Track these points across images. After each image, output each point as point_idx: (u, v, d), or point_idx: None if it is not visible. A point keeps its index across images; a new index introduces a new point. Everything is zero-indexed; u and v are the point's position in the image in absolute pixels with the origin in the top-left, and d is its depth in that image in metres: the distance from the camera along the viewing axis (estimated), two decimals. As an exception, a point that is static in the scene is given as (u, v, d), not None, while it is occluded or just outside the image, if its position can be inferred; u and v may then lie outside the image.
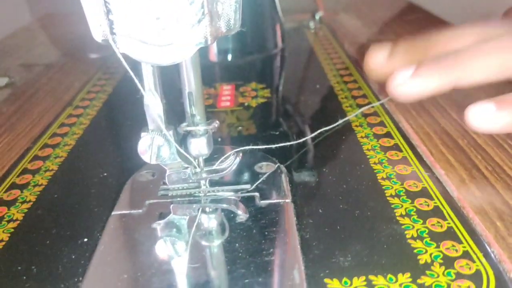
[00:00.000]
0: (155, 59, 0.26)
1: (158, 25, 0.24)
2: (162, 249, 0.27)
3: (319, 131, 0.37)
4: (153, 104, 0.29)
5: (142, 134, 0.29)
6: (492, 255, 0.25)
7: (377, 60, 0.40)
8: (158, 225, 0.29)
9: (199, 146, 0.29)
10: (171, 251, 0.27)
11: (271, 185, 0.32)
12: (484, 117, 0.33)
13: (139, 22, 0.24)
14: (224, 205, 0.31)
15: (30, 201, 0.32)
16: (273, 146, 0.35)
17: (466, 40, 0.36)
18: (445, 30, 0.38)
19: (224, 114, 0.45)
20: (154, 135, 0.29)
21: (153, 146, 0.29)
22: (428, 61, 0.36)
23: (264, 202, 0.30)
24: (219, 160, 0.32)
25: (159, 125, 0.29)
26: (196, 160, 0.31)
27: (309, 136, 0.38)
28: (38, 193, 0.33)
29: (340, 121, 0.38)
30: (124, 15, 0.24)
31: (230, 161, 0.31)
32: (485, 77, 0.34)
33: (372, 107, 0.42)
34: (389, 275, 0.24)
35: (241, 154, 0.31)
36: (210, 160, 0.33)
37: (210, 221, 0.29)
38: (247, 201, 0.31)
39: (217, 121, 0.30)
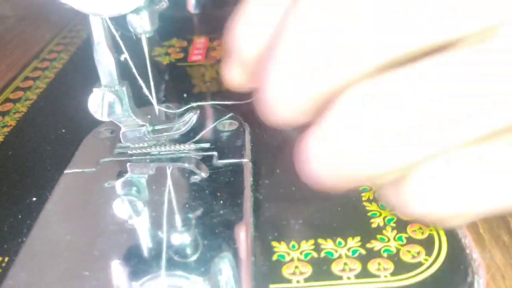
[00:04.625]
0: (99, 10, 0.25)
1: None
2: (119, 208, 0.27)
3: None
4: (104, 58, 0.28)
5: (94, 89, 0.28)
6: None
7: None
8: (109, 185, 0.28)
9: (141, 21, 0.26)
10: (128, 210, 0.27)
11: (232, 144, 0.31)
12: None
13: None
14: (185, 164, 0.30)
15: (-18, 156, 0.31)
16: (232, 103, 0.33)
17: None
18: None
19: (193, 68, 0.43)
20: (104, 91, 0.28)
21: (104, 102, 0.28)
22: None
23: (221, 162, 0.29)
24: (180, 118, 0.31)
25: (111, 80, 0.28)
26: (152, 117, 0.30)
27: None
28: (-7, 149, 0.32)
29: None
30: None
31: (188, 118, 0.30)
32: None
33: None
34: (339, 239, 0.23)
35: (198, 112, 0.30)
36: (168, 117, 0.31)
37: (163, 181, 0.28)
38: (206, 160, 0.30)
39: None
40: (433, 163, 0.16)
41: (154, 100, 0.30)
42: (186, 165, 0.30)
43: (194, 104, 0.33)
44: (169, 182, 0.28)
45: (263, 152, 0.31)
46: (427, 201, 0.17)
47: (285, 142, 0.31)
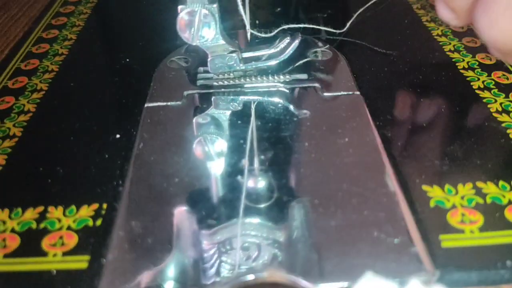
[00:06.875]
0: None
1: None
2: (204, 148, 0.23)
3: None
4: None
5: (180, 7, 0.24)
6: None
7: None
8: (204, 120, 0.24)
9: None
10: (211, 150, 0.23)
11: (332, 75, 0.27)
12: None
13: None
14: (280, 100, 0.25)
15: (41, 89, 0.27)
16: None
17: None
18: None
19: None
20: (197, 7, 0.23)
21: (195, 22, 0.24)
22: None
23: (328, 95, 0.25)
24: (272, 45, 0.26)
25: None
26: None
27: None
28: (50, 80, 0.28)
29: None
30: None
31: (286, 44, 0.26)
32: None
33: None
34: (501, 182, 0.19)
35: (300, 36, 0.26)
36: (260, 43, 0.27)
37: (265, 116, 0.24)
38: (307, 94, 0.26)
39: None
40: None
41: (247, 21, 0.26)
42: (282, 101, 0.25)
43: (287, 29, 0.28)
44: (273, 116, 0.24)
45: (369, 84, 0.26)
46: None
47: (391, 73, 0.27)
